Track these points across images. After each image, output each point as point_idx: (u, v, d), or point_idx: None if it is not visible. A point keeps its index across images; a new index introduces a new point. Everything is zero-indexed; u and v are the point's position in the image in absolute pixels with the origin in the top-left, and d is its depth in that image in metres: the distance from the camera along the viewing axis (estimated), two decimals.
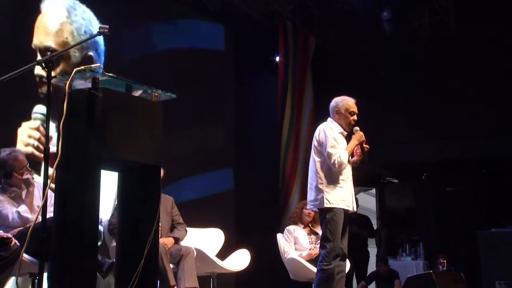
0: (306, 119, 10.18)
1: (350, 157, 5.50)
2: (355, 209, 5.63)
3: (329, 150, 5.37)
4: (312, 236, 7.28)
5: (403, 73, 10.77)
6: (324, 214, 5.43)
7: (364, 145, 5.50)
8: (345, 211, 5.45)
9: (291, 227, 7.37)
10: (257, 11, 10.09)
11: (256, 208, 9.72)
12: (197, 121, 9.33)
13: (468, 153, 10.65)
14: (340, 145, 5.47)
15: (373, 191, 13.46)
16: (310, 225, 7.35)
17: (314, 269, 6.46)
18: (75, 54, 7.12)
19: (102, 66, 7.23)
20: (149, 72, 8.02)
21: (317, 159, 5.51)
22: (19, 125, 6.59)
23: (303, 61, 10.36)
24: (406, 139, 10.94)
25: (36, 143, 6.60)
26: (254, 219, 9.61)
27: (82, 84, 3.85)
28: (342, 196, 5.41)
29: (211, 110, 9.74)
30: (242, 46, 10.45)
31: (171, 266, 5.76)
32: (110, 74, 3.81)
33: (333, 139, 5.43)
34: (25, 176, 5.17)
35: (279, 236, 7.40)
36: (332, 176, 5.42)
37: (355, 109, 5.58)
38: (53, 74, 3.72)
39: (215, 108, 9.92)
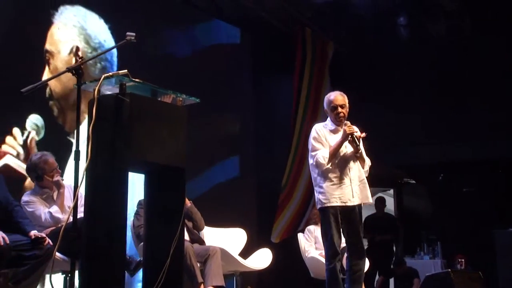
0: None
1: (345, 153, 5.35)
2: (358, 202, 5.36)
3: (311, 153, 5.38)
4: None
5: (419, 76, 10.84)
6: (320, 215, 5.47)
7: (355, 136, 5.27)
8: (345, 207, 5.31)
9: (311, 227, 7.55)
10: (276, 18, 10.20)
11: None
12: (215, 125, 9.44)
13: (485, 154, 10.66)
14: (329, 143, 5.36)
15: (391, 191, 13.51)
16: None
17: None
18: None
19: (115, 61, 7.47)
20: (171, 76, 8.14)
21: (310, 160, 5.49)
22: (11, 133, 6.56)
23: (320, 66, 10.44)
24: (423, 140, 10.98)
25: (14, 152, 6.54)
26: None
27: (110, 89, 3.98)
28: (334, 193, 5.28)
29: (229, 113, 9.86)
30: (261, 52, 10.56)
31: (198, 265, 5.87)
32: (137, 80, 3.91)
33: (315, 140, 5.37)
34: (56, 178, 5.32)
35: (300, 235, 7.57)
36: (322, 175, 5.34)
37: (337, 101, 5.41)
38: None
39: (234, 111, 10.03)
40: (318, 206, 5.39)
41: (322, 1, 9.91)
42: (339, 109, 5.39)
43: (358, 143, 5.28)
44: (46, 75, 6.87)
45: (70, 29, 7.37)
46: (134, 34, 4.00)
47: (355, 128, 5.34)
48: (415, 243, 11.23)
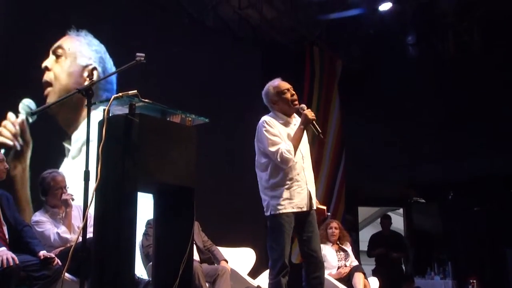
0: (330, 142, 10.20)
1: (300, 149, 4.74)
2: (313, 208, 4.72)
3: (270, 149, 4.62)
4: (341, 253, 7.38)
5: (429, 94, 10.85)
6: (268, 222, 4.68)
7: (316, 125, 4.73)
8: (300, 213, 4.65)
9: None
10: (285, 37, 10.25)
11: None
12: (225, 142, 9.46)
13: (495, 171, 10.62)
14: (283, 137, 4.70)
15: (401, 211, 13.45)
16: (338, 242, 7.47)
17: (344, 287, 6.61)
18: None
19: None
20: (182, 96, 8.18)
21: (261, 160, 4.78)
22: (5, 117, 6.74)
23: (329, 85, 10.45)
24: (432, 158, 10.96)
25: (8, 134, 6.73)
26: None
27: (120, 109, 3.99)
28: (292, 198, 4.61)
29: (238, 133, 9.86)
30: (270, 71, 10.57)
31: (207, 285, 5.85)
32: (146, 100, 3.93)
33: (269, 133, 4.68)
34: (64, 197, 5.35)
35: None
36: (276, 177, 4.65)
37: (286, 86, 4.84)
38: None
39: (243, 131, 10.03)
40: (270, 213, 4.64)
41: (331, 19, 9.96)
42: (292, 91, 4.82)
43: (320, 130, 4.74)
44: (48, 63, 7.19)
45: (90, 51, 7.70)
46: (143, 54, 4.01)
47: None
48: (426, 263, 11.14)
